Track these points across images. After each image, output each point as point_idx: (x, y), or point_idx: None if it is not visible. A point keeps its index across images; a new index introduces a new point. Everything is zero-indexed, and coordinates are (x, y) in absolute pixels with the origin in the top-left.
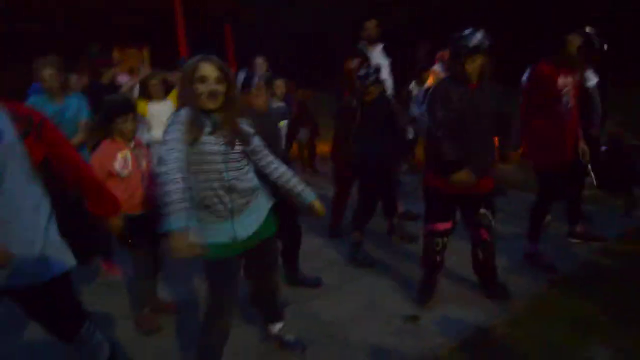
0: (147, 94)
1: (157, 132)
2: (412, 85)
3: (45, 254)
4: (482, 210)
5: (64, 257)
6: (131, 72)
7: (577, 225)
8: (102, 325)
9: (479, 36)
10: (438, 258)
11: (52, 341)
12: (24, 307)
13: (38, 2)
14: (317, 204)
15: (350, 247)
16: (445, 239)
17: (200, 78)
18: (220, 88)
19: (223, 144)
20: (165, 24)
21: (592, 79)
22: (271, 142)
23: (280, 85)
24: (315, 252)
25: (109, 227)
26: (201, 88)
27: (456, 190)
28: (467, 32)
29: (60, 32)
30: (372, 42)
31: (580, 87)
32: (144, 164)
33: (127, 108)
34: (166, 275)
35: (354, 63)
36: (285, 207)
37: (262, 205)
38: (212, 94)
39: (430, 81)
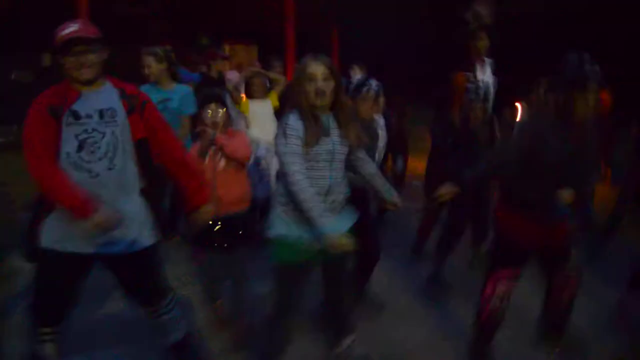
0: (249, 92)
1: (256, 130)
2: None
3: (139, 227)
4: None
5: (152, 232)
6: (239, 68)
7: None
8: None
9: (590, 66)
10: (501, 310)
11: (135, 314)
12: (115, 273)
13: None
14: (397, 200)
15: (431, 270)
16: (512, 288)
17: (309, 76)
18: (328, 86)
19: (334, 145)
20: (275, 23)
21: None
22: (369, 153)
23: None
24: (394, 271)
25: (198, 217)
26: (309, 86)
27: (535, 232)
28: (576, 58)
29: (171, 19)
30: (481, 57)
31: None
32: (221, 162)
33: (211, 98)
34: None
35: (465, 77)
36: (366, 219)
37: (347, 216)
38: (320, 92)
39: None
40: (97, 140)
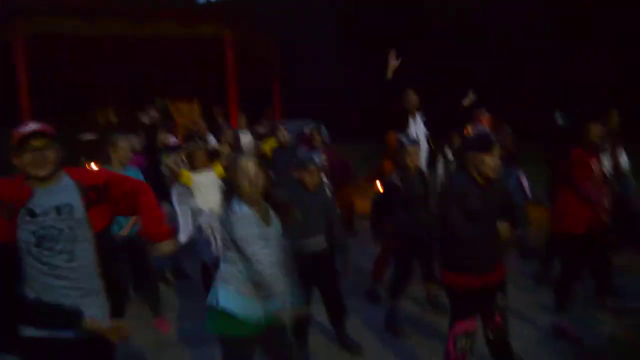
0: (192, 164)
1: (200, 201)
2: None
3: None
4: (499, 295)
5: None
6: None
7: (605, 296)
8: None
9: (488, 135)
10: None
11: None
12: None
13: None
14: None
15: (387, 312)
16: (471, 339)
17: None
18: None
19: (276, 226)
20: (216, 78)
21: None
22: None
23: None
24: (353, 315)
25: (161, 252)
26: (244, 180)
27: (478, 283)
28: (477, 130)
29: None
30: (412, 111)
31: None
32: None
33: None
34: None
35: (397, 136)
36: (327, 271)
37: (287, 290)
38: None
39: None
40: (54, 236)
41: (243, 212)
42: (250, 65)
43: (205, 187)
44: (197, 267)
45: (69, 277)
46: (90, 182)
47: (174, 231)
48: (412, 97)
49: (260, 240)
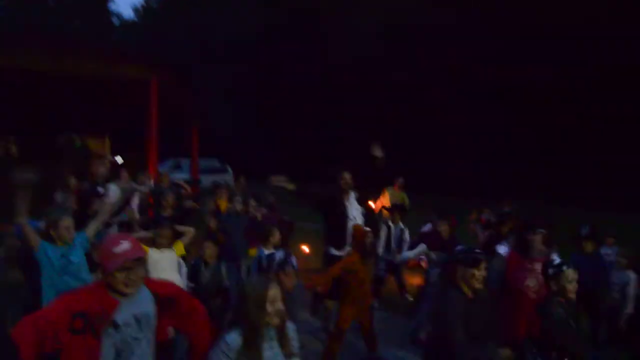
0: (153, 242)
1: None
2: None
3: None
4: None
5: None
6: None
7: None
8: None
9: (474, 250)
10: None
11: None
12: None
13: None
14: None
15: None
16: None
17: (271, 300)
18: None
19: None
20: (132, 118)
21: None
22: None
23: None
24: None
25: None
26: (270, 308)
27: None
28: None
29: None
30: (347, 191)
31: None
32: None
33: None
34: None
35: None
36: None
37: None
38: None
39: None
40: (133, 347)
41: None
42: (170, 110)
43: (162, 268)
44: None
45: None
46: (164, 292)
47: None
48: (347, 177)
49: None
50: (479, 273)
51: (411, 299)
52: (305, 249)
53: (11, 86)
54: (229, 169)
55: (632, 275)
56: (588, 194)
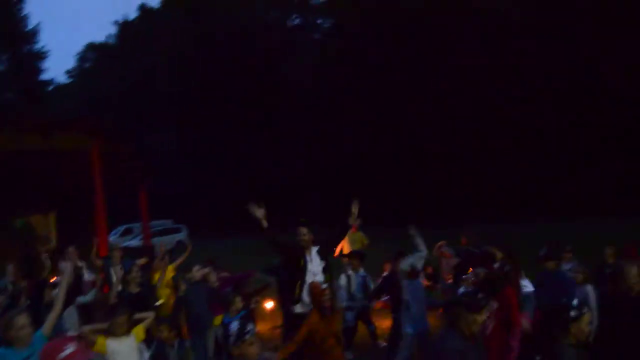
0: (109, 330)
1: None
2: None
3: None
4: None
5: None
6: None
7: None
8: None
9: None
10: None
11: None
12: None
13: None
14: None
15: None
16: None
17: None
18: None
19: None
20: (77, 189)
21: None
22: None
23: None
24: None
25: None
26: None
27: None
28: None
29: None
30: (307, 247)
31: None
32: None
33: None
34: None
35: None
36: None
37: None
38: None
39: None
40: None
41: None
42: (115, 175)
43: (122, 358)
44: None
45: None
46: None
47: None
48: (306, 234)
49: None
50: (480, 318)
51: (384, 344)
52: (268, 305)
53: None
54: (183, 229)
55: (589, 288)
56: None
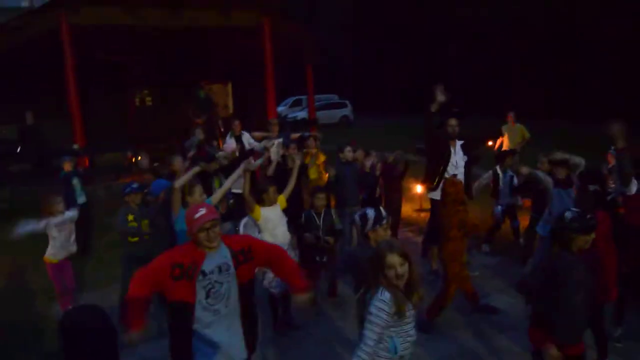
0: (261, 199)
1: (267, 235)
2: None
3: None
4: None
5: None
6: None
7: None
8: None
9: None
10: None
11: None
12: None
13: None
14: None
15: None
16: None
17: (389, 266)
18: (405, 269)
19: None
20: (250, 62)
21: None
22: None
23: None
24: None
25: (301, 302)
26: (391, 274)
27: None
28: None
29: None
30: (453, 139)
31: None
32: None
33: None
34: None
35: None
36: None
37: None
38: (400, 276)
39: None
40: (218, 289)
41: (385, 298)
42: (283, 52)
43: (273, 223)
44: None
45: (226, 315)
46: (238, 247)
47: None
48: (455, 125)
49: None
50: (590, 238)
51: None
52: (419, 188)
53: (138, 43)
54: (348, 104)
55: None
56: None
